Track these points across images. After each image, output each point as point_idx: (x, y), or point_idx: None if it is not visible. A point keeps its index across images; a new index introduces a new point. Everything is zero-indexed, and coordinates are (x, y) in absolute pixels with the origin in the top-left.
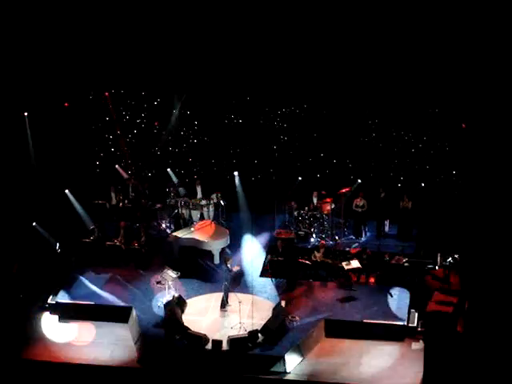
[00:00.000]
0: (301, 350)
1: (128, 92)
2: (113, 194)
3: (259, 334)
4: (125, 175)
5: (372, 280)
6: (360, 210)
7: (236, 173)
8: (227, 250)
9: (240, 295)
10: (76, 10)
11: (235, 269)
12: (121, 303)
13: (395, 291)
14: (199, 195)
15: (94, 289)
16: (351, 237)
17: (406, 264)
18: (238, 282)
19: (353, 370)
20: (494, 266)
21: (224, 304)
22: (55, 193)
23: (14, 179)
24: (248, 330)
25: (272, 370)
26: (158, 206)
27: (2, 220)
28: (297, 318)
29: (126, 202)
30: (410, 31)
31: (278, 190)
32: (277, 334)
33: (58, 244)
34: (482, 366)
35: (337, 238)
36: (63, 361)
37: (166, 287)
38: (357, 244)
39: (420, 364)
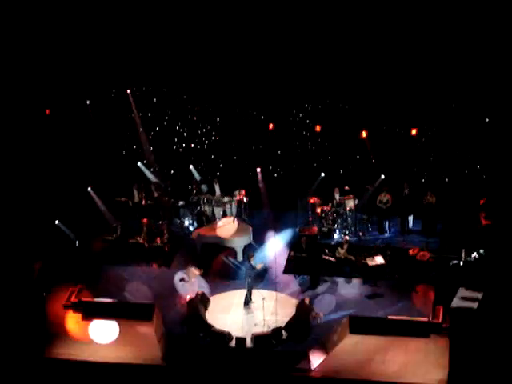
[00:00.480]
0: (325, 346)
1: (150, 89)
2: (135, 192)
3: (283, 331)
4: (150, 177)
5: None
6: (384, 205)
7: (258, 169)
8: (253, 244)
9: (264, 292)
10: (98, 9)
11: (259, 266)
12: (144, 301)
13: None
14: (218, 193)
15: (118, 286)
16: (375, 233)
17: (430, 260)
18: (261, 278)
19: (377, 367)
20: None
21: (247, 301)
22: (78, 191)
23: (36, 177)
24: (272, 327)
25: (296, 366)
26: (181, 203)
27: (25, 218)
28: (321, 315)
29: (149, 201)
30: (433, 24)
31: (301, 187)
32: (301, 330)
33: (77, 241)
34: (507, 362)
35: (360, 234)
36: (87, 359)
37: (190, 284)
38: (381, 240)
39: (445, 360)
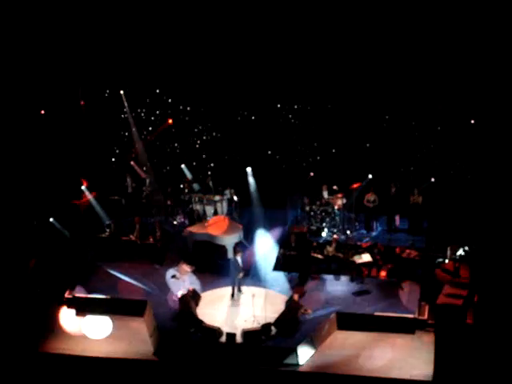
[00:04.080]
0: (313, 342)
1: (142, 90)
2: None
3: (272, 327)
4: (142, 174)
5: (383, 274)
6: (371, 204)
7: (249, 168)
8: (244, 242)
9: (253, 289)
10: (93, 9)
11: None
12: (136, 297)
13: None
14: (211, 191)
15: (110, 283)
16: (362, 231)
17: (416, 258)
18: (247, 274)
19: (364, 362)
20: (503, 258)
21: (233, 294)
22: (72, 189)
23: (32, 176)
24: (261, 323)
25: (285, 362)
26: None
27: (19, 216)
28: (309, 311)
29: (143, 198)
30: (419, 27)
31: (291, 186)
32: (290, 326)
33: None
34: (492, 358)
35: (348, 232)
36: (80, 354)
37: (181, 281)
38: (368, 238)
39: (431, 356)
